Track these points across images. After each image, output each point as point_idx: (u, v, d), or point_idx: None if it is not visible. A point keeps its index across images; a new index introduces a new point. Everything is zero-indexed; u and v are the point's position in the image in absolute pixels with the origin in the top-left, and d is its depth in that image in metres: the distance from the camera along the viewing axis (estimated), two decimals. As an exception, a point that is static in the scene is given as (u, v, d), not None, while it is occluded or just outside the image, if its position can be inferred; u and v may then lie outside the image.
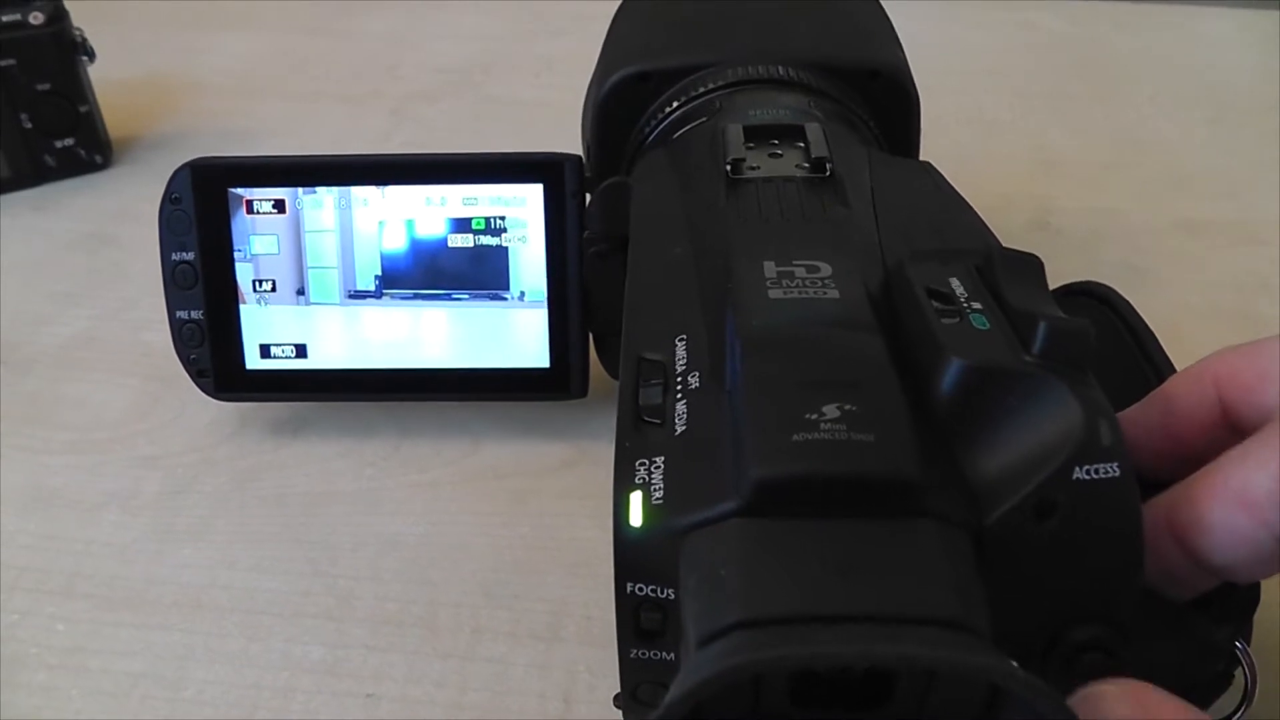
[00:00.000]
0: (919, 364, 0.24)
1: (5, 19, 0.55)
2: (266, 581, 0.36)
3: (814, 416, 0.22)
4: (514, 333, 0.39)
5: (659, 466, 0.23)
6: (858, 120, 0.40)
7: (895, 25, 0.44)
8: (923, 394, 0.23)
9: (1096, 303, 0.32)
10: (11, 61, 0.55)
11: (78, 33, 0.58)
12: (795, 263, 0.27)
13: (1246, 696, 0.26)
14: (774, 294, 0.26)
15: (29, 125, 0.58)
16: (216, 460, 0.42)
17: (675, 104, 0.40)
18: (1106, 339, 0.31)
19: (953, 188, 0.33)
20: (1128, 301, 0.31)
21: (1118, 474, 0.22)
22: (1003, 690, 0.19)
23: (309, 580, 0.36)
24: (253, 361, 0.40)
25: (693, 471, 0.22)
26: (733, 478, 0.21)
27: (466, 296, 0.39)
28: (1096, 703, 0.22)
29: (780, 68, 0.40)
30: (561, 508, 0.39)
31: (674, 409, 0.24)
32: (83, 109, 0.59)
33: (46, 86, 0.57)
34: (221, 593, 0.36)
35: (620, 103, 0.41)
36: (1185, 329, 0.43)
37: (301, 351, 0.40)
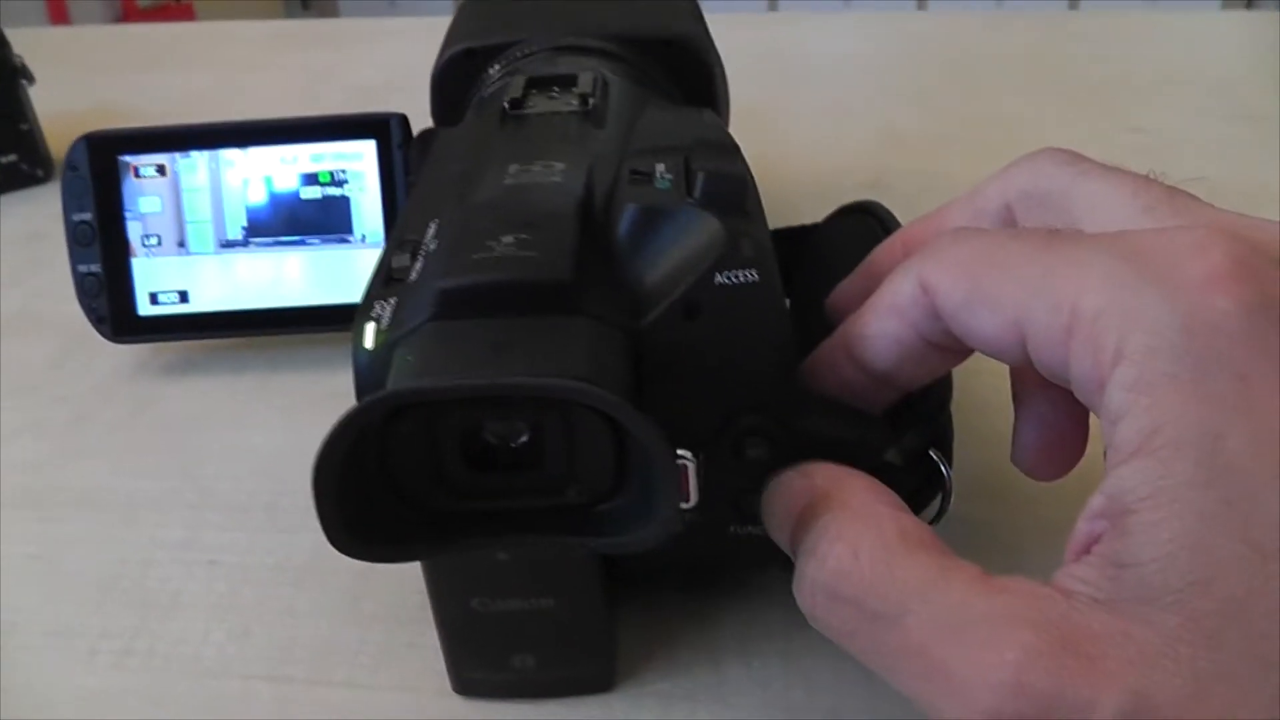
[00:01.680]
0: (609, 221, 0.30)
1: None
2: (145, 484, 0.43)
3: (492, 244, 0.28)
4: (359, 271, 0.46)
5: (389, 305, 0.29)
6: (650, 82, 0.47)
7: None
8: (607, 240, 0.29)
9: (864, 215, 0.38)
10: (-43, 86, 0.63)
11: (18, 59, 0.65)
12: (536, 163, 0.33)
13: (944, 499, 0.30)
14: (506, 182, 0.32)
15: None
16: (114, 395, 0.48)
17: (492, 72, 0.47)
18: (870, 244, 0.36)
19: (721, 124, 0.39)
20: (890, 212, 0.36)
21: (757, 279, 0.27)
22: (628, 447, 0.25)
23: (178, 480, 0.43)
24: (143, 308, 0.47)
25: (410, 303, 0.28)
26: (428, 298, 0.27)
27: (318, 241, 0.46)
28: (777, 485, 0.27)
29: (582, 39, 0.47)
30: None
31: (414, 268, 0.31)
32: (23, 127, 0.66)
33: None
34: (107, 494, 0.43)
35: (451, 76, 0.48)
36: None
37: (184, 297, 0.47)
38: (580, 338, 0.26)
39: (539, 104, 0.39)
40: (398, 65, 0.86)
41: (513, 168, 0.33)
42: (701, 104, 0.48)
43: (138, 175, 0.46)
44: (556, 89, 0.40)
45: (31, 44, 0.69)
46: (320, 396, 0.47)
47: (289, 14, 3.53)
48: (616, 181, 0.31)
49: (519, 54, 0.47)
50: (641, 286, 0.28)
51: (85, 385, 0.49)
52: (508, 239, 0.28)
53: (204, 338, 0.48)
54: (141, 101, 0.82)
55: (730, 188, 0.29)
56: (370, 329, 0.28)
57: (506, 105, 0.38)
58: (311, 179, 0.45)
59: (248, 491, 0.42)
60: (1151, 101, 0.73)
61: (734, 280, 0.27)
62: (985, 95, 0.75)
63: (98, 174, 0.46)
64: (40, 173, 0.68)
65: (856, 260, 0.34)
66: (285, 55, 0.92)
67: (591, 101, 0.37)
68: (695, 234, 0.28)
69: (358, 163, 0.45)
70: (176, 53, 0.94)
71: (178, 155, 0.46)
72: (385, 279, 0.30)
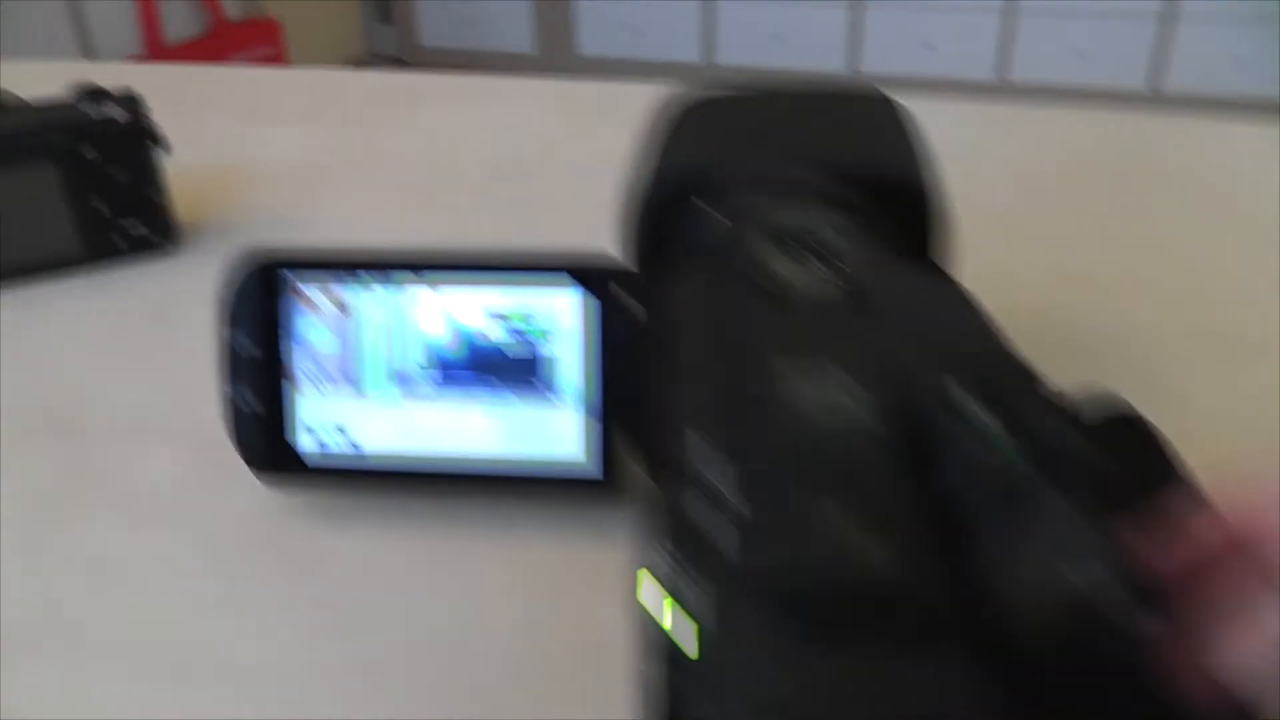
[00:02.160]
0: (969, 503, 0.25)
1: (89, 112, 0.58)
2: (298, 651, 0.38)
3: (816, 516, 0.24)
4: (552, 429, 0.41)
5: (693, 578, 0.24)
6: (881, 229, 0.42)
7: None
8: (933, 508, 0.25)
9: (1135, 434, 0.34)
10: (93, 151, 0.59)
11: (155, 126, 0.61)
12: (812, 367, 0.29)
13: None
14: (791, 396, 0.27)
15: (103, 210, 0.61)
16: (259, 539, 0.43)
17: (703, 206, 0.42)
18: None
19: (974, 298, 0.35)
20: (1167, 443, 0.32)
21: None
22: None
23: (339, 647, 0.38)
24: (303, 448, 0.42)
25: (736, 596, 0.23)
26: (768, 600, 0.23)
27: (509, 392, 0.41)
28: None
29: (805, 174, 0.42)
30: (589, 594, 0.40)
31: (722, 530, 0.25)
32: (155, 196, 0.62)
33: (123, 175, 0.61)
34: (253, 661, 0.38)
35: (654, 204, 0.43)
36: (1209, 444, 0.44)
37: (350, 440, 0.42)
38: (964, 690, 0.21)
39: (790, 272, 0.35)
40: (522, 132, 0.82)
41: (792, 376, 0.29)
42: (927, 250, 0.44)
43: (307, 301, 0.41)
44: (800, 248, 0.36)
45: (126, 81, 0.65)
46: (502, 561, 0.42)
47: (369, 27, 3.52)
48: (928, 420, 0.26)
49: (731, 191, 0.42)
50: (993, 589, 0.24)
51: (224, 520, 0.45)
52: (830, 506, 0.23)
53: (372, 490, 0.44)
54: (261, 159, 0.78)
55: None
56: (676, 616, 0.23)
57: (753, 274, 0.33)
58: (506, 323, 0.40)
59: (421, 671, 0.37)
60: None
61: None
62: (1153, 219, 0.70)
63: (263, 296, 0.41)
64: (166, 242, 0.64)
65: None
66: (396, 109, 0.88)
67: (850, 275, 0.33)
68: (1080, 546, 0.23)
69: (559, 310, 0.40)
70: (281, 101, 0.90)
71: (356, 284, 0.41)
72: (679, 529, 0.25)
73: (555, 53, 3.38)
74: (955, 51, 3.06)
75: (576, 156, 0.78)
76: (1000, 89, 3.05)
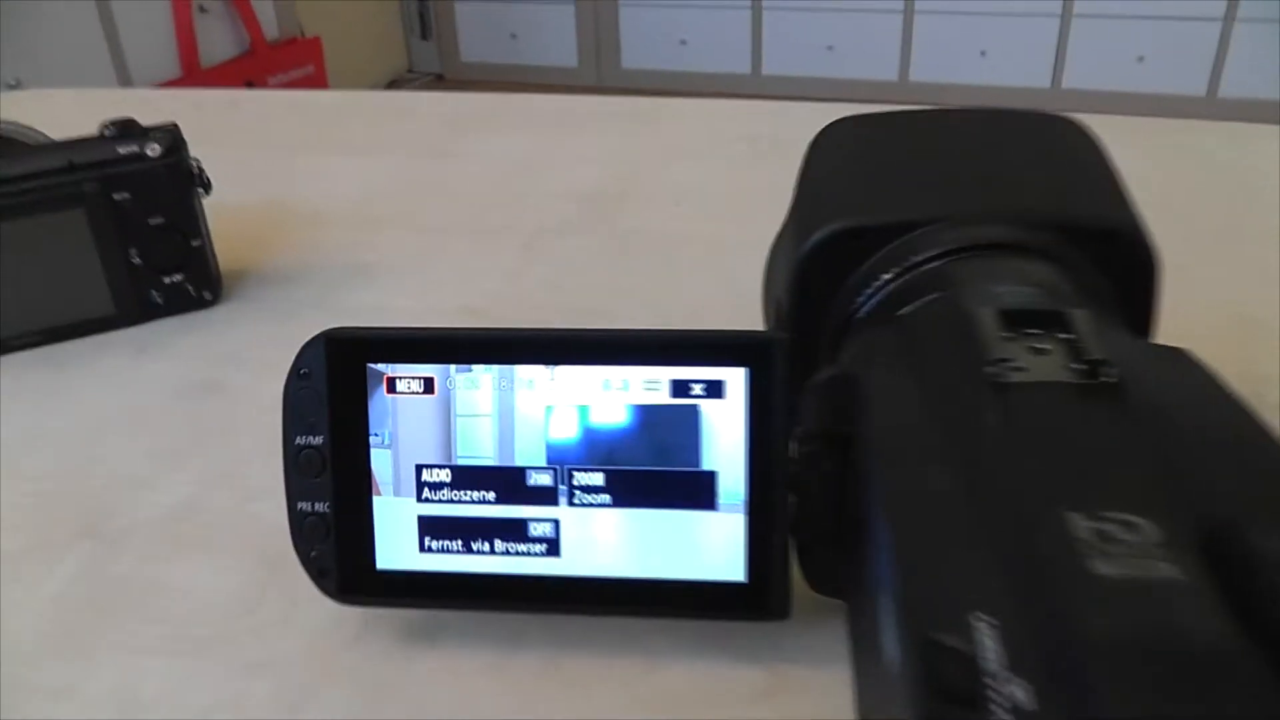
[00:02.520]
0: None
1: (122, 150, 0.50)
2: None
3: None
4: (705, 540, 0.32)
5: None
6: (1099, 292, 0.33)
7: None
8: None
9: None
10: (126, 195, 0.51)
11: (194, 163, 0.53)
12: (1106, 516, 0.21)
13: None
14: (1098, 567, 0.20)
15: (138, 261, 0.53)
16: (337, 670, 0.35)
17: (895, 269, 0.34)
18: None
19: (1227, 385, 0.26)
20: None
21: None
22: None
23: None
24: (385, 562, 0.34)
25: None
26: None
27: (648, 494, 0.32)
28: None
29: (1015, 229, 0.33)
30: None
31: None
32: (195, 243, 0.54)
33: (160, 220, 0.53)
34: None
35: (827, 261, 0.35)
36: None
37: (445, 550, 0.34)
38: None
39: (1027, 363, 0.26)
40: (606, 163, 0.73)
41: (1077, 524, 0.21)
42: (1137, 309, 0.35)
43: (392, 390, 0.33)
44: (1038, 332, 0.27)
45: (162, 107, 0.57)
46: (642, 700, 0.33)
47: (410, 42, 3.46)
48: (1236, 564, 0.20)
49: (929, 251, 0.33)
50: None
51: (292, 646, 0.36)
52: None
53: (472, 609, 0.35)
54: (317, 198, 0.70)
55: None
56: None
57: (990, 371, 0.25)
58: (648, 413, 0.32)
59: None
60: None
61: None
62: None
63: (337, 385, 0.33)
64: (208, 295, 0.56)
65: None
66: (470, 143, 0.79)
67: (1109, 373, 0.25)
68: None
69: (716, 397, 0.31)
70: (339, 132, 0.82)
71: (453, 368, 0.33)
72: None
73: (600, 66, 3.31)
74: (1010, 59, 2.97)
75: (672, 182, 0.70)
76: (1053, 96, 2.95)
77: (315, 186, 0.71)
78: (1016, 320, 0.28)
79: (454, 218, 0.67)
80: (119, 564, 0.40)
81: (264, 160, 0.75)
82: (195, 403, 0.50)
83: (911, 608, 0.21)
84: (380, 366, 0.33)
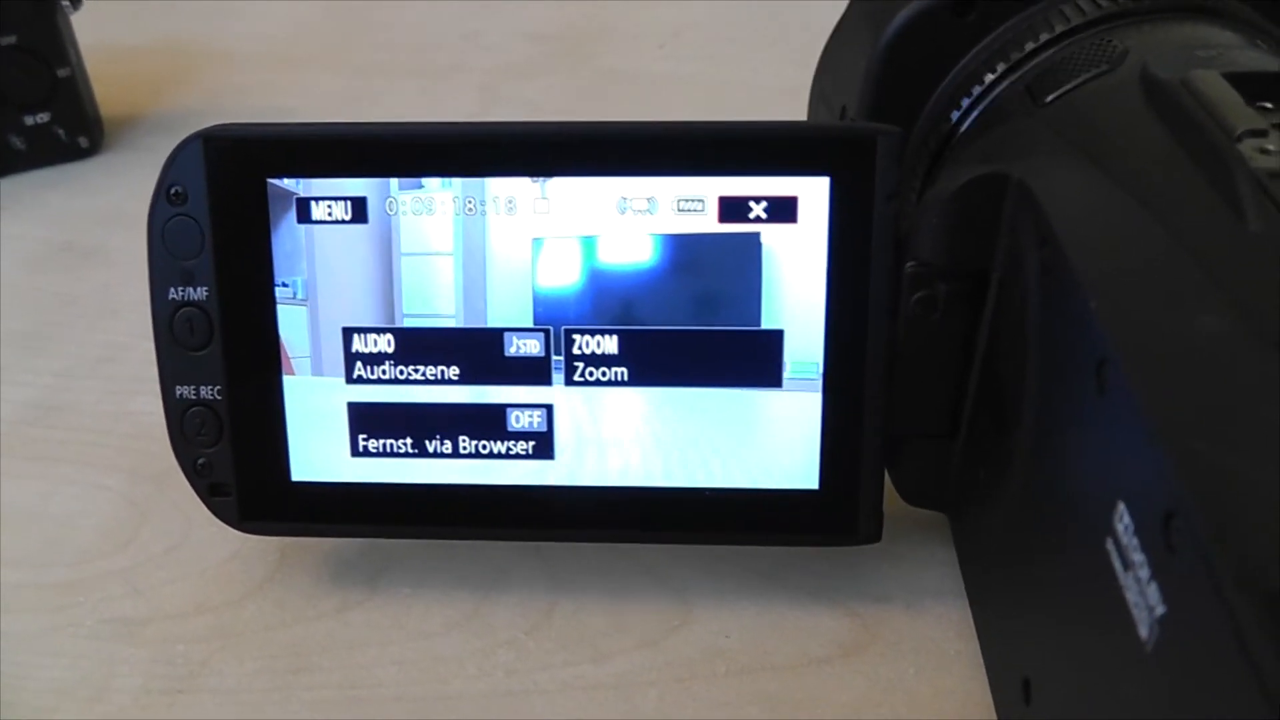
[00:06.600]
0: None
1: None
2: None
3: None
4: (764, 432, 0.23)
5: None
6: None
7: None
8: None
9: None
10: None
11: (57, -32, 0.43)
12: None
13: None
14: None
15: (-10, 94, 0.43)
16: (240, 628, 0.25)
17: (1028, 46, 0.24)
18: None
19: None
20: None
21: None
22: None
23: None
24: (303, 471, 0.24)
25: None
26: None
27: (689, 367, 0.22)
28: None
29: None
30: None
31: None
32: (61, 73, 0.45)
33: (12, 40, 0.43)
34: None
35: (919, 48, 0.25)
36: None
37: (389, 450, 0.24)
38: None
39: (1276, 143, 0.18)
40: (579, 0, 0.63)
41: None
42: None
43: (307, 217, 0.23)
44: (1270, 106, 0.19)
45: None
46: (675, 662, 0.24)
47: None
48: None
49: (1070, 19, 0.24)
50: None
51: (179, 595, 0.26)
52: None
53: (424, 535, 0.25)
54: (227, 37, 0.60)
55: None
56: None
57: (1240, 156, 0.16)
58: (683, 247, 0.22)
59: None
60: None
61: None
62: None
63: (226, 211, 0.23)
64: (84, 141, 0.47)
65: None
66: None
67: None
68: None
69: (783, 222, 0.21)
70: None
71: (394, 183, 0.22)
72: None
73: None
74: None
75: (642, 29, 0.60)
76: None
77: (226, 24, 0.62)
78: (1245, 87, 0.19)
79: (391, 58, 0.58)
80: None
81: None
82: (63, 272, 0.40)
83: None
84: (288, 183, 0.23)
